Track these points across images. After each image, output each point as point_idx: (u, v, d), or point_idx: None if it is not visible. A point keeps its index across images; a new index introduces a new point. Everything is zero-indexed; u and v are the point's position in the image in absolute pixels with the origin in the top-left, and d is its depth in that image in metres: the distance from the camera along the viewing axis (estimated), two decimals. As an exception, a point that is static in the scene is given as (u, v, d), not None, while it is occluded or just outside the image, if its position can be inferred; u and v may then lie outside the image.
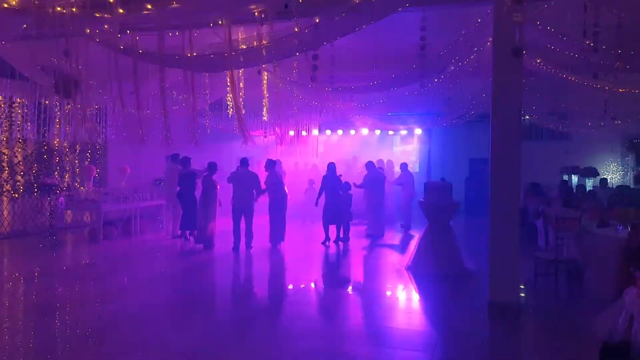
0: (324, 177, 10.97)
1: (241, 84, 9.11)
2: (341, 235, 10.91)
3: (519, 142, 6.22)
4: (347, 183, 11.29)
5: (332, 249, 10.39)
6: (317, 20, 5.63)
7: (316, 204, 11.09)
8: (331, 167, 11.02)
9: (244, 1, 5.87)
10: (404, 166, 13.78)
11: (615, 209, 8.15)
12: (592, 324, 3.93)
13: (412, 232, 12.51)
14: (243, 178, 9.79)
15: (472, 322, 6.05)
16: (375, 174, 11.96)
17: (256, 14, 5.80)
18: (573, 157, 14.99)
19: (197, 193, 10.65)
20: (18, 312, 6.43)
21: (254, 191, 9.87)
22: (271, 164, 10.35)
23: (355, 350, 5.03)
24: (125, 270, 8.64)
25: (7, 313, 6.24)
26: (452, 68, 8.59)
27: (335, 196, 10.72)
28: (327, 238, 10.67)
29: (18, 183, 11.35)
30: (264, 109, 9.92)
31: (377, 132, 18.72)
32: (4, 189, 11.03)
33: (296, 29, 6.00)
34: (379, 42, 8.18)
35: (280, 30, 6.21)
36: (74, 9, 5.62)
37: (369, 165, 12.11)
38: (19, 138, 11.33)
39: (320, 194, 10.95)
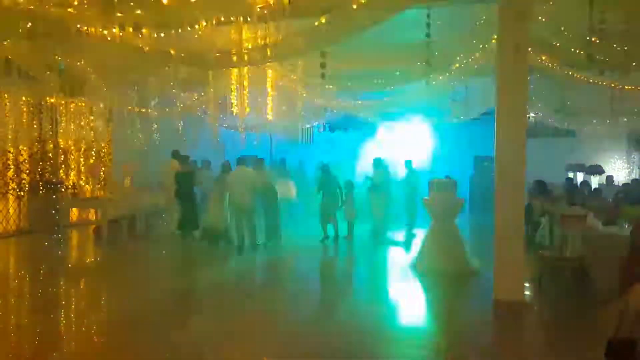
0: (320, 177, 10.99)
1: (245, 83, 9.11)
2: (345, 233, 10.88)
3: (524, 140, 6.20)
4: (349, 181, 11.27)
5: (336, 247, 10.35)
6: (323, 20, 5.61)
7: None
8: (325, 167, 11.01)
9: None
10: (408, 163, 13.74)
11: (621, 207, 8.12)
12: (598, 322, 3.93)
13: (416, 230, 12.49)
14: (240, 176, 9.76)
15: (477, 320, 6.03)
16: (382, 171, 11.96)
17: (258, 10, 5.79)
18: (578, 155, 14.92)
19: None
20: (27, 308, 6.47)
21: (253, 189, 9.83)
22: (260, 162, 10.37)
23: (358, 347, 5.03)
24: (130, 268, 8.69)
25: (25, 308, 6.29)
26: (457, 65, 8.57)
27: (332, 194, 10.65)
28: (326, 236, 10.64)
29: (24, 181, 11.40)
30: (269, 107, 9.91)
31: (381, 129, 18.68)
32: (10, 187, 11.08)
33: (300, 30, 6.02)
34: (384, 37, 8.15)
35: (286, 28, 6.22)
36: (83, 6, 5.63)
37: (377, 161, 12.12)
38: (25, 137, 11.37)
39: (320, 191, 10.91)
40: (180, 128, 11.15)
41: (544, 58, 8.18)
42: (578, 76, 8.98)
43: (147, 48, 6.41)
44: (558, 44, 7.33)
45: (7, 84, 9.71)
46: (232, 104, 9.21)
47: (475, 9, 7.23)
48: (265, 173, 10.30)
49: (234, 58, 6.64)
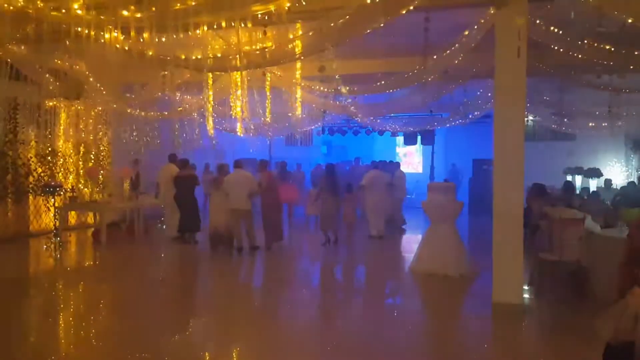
0: (323, 178, 10.98)
1: (244, 86, 9.13)
2: (343, 236, 10.86)
3: (522, 143, 6.21)
4: (350, 184, 11.27)
5: (334, 250, 10.34)
6: (320, 23, 5.63)
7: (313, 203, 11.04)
8: (330, 168, 11.01)
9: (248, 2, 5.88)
10: (396, 165, 13.77)
11: (619, 210, 8.13)
12: (596, 325, 3.93)
13: (406, 232, 12.59)
14: (238, 180, 9.75)
15: (475, 323, 6.04)
16: (377, 173, 11.98)
17: (259, 16, 5.81)
18: (577, 158, 14.96)
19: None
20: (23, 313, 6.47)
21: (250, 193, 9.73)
22: (264, 165, 10.41)
23: (356, 350, 5.03)
24: (130, 272, 8.69)
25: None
26: (451, 70, 8.60)
27: (335, 197, 10.62)
28: (328, 239, 10.64)
29: (23, 185, 11.38)
30: (267, 110, 9.93)
31: (381, 133, 18.74)
32: (9, 191, 11.06)
33: (300, 32, 6.03)
34: (381, 39, 8.18)
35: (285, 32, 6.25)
36: (78, 11, 5.65)
37: (374, 164, 12.16)
38: (23, 140, 11.36)
39: (318, 195, 10.89)
40: (183, 131, 11.15)
41: (541, 63, 8.20)
42: (576, 79, 9.02)
43: (147, 52, 6.42)
44: (556, 47, 7.35)
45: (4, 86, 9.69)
46: (231, 107, 9.23)
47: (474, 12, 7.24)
48: (268, 175, 10.27)
49: (233, 62, 6.65)
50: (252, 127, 12.15)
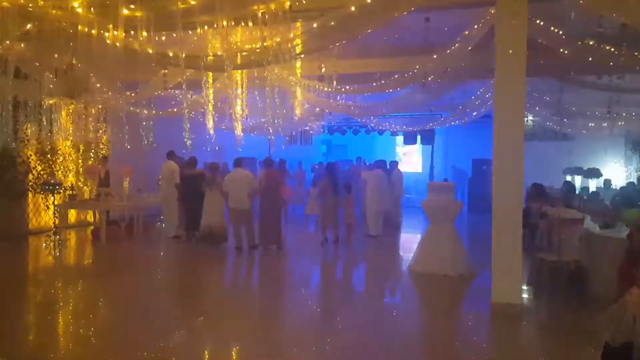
0: (324, 177, 10.97)
1: (244, 84, 9.13)
2: (342, 236, 10.85)
3: (522, 143, 6.21)
4: (349, 183, 11.27)
5: (333, 250, 10.34)
6: (320, 22, 5.64)
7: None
8: (331, 167, 10.97)
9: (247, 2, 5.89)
10: (394, 164, 13.75)
11: (618, 210, 8.13)
12: (595, 326, 3.94)
13: (402, 231, 12.59)
14: (238, 179, 9.71)
15: (474, 323, 6.05)
16: (379, 172, 12.00)
17: (259, 15, 5.82)
18: (576, 158, 14.95)
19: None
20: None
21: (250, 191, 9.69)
22: (268, 163, 10.39)
23: (354, 351, 5.03)
24: (129, 270, 8.69)
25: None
26: (451, 70, 8.59)
27: (335, 197, 10.60)
28: (326, 239, 10.63)
29: (22, 183, 11.37)
30: (267, 109, 9.89)
31: (381, 132, 18.73)
32: (8, 189, 11.05)
33: (300, 32, 6.03)
34: (382, 38, 8.18)
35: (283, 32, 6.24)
36: (78, 10, 5.65)
37: (377, 163, 12.19)
38: (23, 138, 11.35)
39: (321, 194, 10.88)
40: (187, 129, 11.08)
41: (542, 61, 8.20)
42: (576, 79, 9.02)
43: (148, 50, 6.42)
44: (556, 48, 7.35)
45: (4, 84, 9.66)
46: (231, 105, 9.21)
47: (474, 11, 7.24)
48: (267, 174, 10.24)
49: (232, 60, 6.65)
50: (268, 128, 12.06)
